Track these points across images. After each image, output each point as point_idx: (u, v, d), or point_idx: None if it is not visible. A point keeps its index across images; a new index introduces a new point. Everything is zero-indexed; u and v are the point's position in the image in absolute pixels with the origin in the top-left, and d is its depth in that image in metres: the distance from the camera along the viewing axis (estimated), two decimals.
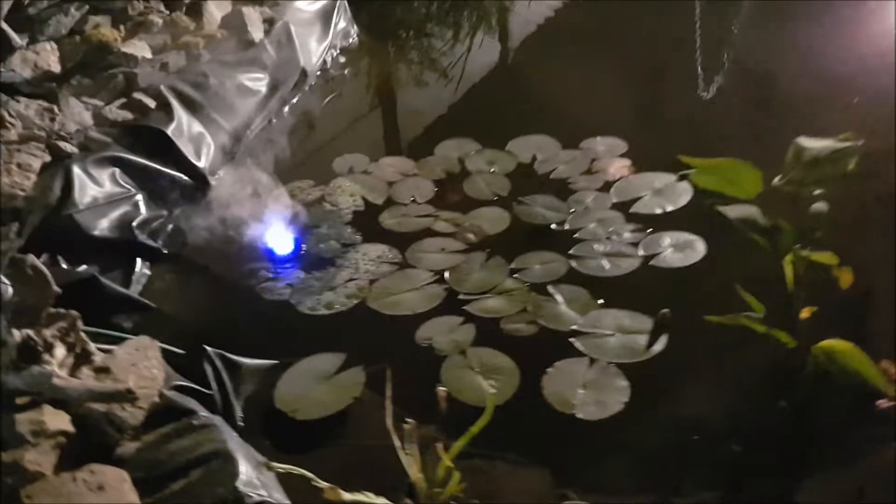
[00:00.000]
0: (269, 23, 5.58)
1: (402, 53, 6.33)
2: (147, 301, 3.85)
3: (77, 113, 4.25)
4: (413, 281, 3.96)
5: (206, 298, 4.02)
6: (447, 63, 6.02)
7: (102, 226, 3.98)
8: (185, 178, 4.51)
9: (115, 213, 4.08)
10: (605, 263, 3.93)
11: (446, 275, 3.97)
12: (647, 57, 5.65)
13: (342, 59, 6.04)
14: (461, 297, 3.83)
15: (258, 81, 5.25)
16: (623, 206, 4.31)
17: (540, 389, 3.31)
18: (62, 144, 4.00)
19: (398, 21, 6.67)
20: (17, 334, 2.64)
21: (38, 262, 2.91)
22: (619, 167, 4.61)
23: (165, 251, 4.24)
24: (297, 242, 4.32)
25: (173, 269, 4.20)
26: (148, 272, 4.11)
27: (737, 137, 4.62)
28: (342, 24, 6.24)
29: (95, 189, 4.01)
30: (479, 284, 3.88)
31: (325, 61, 5.90)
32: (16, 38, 4.11)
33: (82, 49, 4.42)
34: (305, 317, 3.82)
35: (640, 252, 3.97)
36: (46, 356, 2.65)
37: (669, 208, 4.25)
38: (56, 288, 2.91)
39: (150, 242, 4.18)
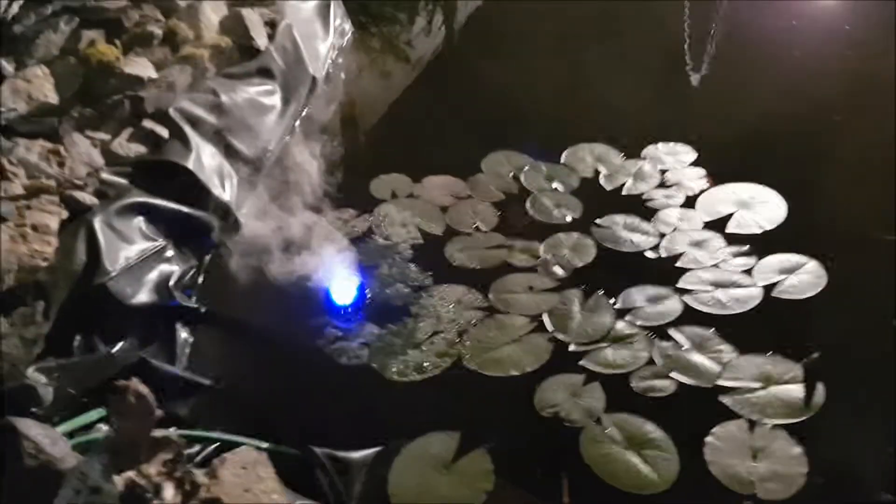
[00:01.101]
0: (271, 25, 4.79)
1: (409, 51, 5.63)
2: (200, 378, 3.13)
3: (85, 152, 3.44)
4: (509, 330, 3.36)
5: (268, 368, 3.29)
6: (464, 62, 5.36)
7: (139, 292, 3.20)
8: (214, 218, 3.76)
9: (150, 274, 3.31)
10: (722, 296, 3.40)
11: (545, 319, 3.39)
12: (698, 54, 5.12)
13: (343, 60, 5.31)
14: (572, 348, 3.26)
15: (271, 95, 4.48)
16: (716, 226, 3.79)
17: (705, 465, 2.79)
18: (78, 195, 3.20)
19: (390, 15, 5.96)
20: (120, 480, 1.95)
21: (142, 388, 2.20)
22: (696, 179, 4.10)
23: (203, 310, 3.51)
24: (359, 288, 3.65)
25: (218, 333, 3.45)
26: (189, 338, 3.39)
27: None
28: (339, 21, 5.50)
29: (124, 247, 3.22)
30: (587, 331, 3.30)
31: (329, 64, 5.17)
32: (6, 66, 3.24)
33: (80, 72, 3.58)
34: (395, 385, 3.17)
35: (757, 281, 3.47)
36: (156, 502, 1.98)
37: (767, 226, 3.77)
38: (158, 412, 2.21)
39: (189, 303, 3.45)
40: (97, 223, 3.18)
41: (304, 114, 4.71)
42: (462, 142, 4.53)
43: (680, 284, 3.48)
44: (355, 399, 3.15)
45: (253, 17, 4.66)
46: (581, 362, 3.18)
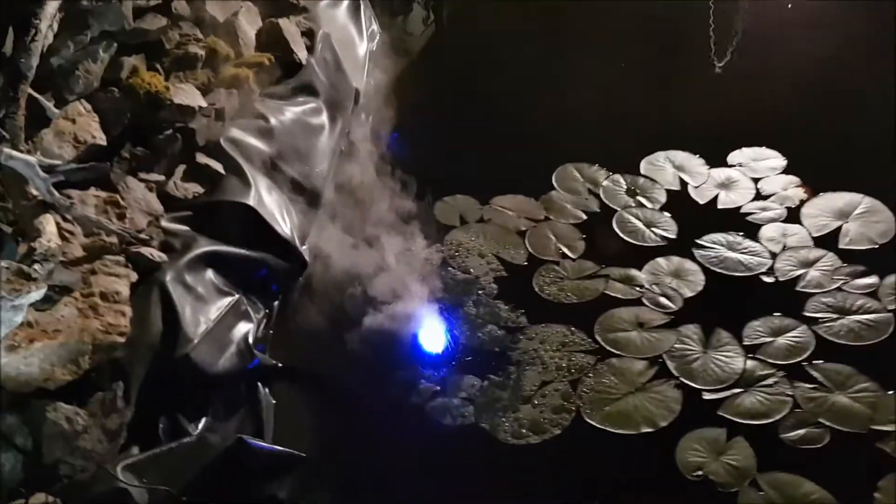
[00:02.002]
0: (308, 35, 4.36)
1: (443, 54, 5.19)
2: (294, 451, 2.74)
3: (142, 198, 3.00)
4: (628, 377, 3.00)
5: (364, 432, 2.92)
6: (509, 63, 4.91)
7: (220, 358, 2.81)
8: (281, 260, 3.36)
9: (229, 334, 2.90)
10: (854, 325, 3.09)
11: (666, 362, 3.04)
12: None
13: (380, 67, 4.86)
14: (706, 396, 2.92)
15: (318, 115, 4.04)
16: (826, 242, 3.46)
17: None
18: (145, 251, 2.77)
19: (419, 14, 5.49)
20: None
21: None
22: (792, 188, 3.75)
23: (281, 366, 3.12)
24: (448, 332, 3.27)
25: (302, 392, 3.08)
26: (272, 400, 3.00)
27: None
28: (370, 24, 5.05)
29: (201, 307, 2.80)
30: (716, 374, 2.96)
31: (367, 71, 4.73)
32: (51, 108, 2.78)
33: (127, 106, 3.13)
34: (512, 449, 2.80)
35: (887, 305, 3.14)
36: None
37: (880, 241, 3.44)
38: None
39: (269, 361, 3.05)
40: (170, 283, 2.76)
41: (350, 131, 4.28)
42: (525, 155, 4.12)
43: (806, 312, 3.14)
44: (467, 468, 2.78)
45: (291, 29, 4.21)
46: (719, 412, 2.84)
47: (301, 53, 4.17)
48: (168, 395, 2.61)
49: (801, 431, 2.72)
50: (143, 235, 2.82)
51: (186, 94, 3.39)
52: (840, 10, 4.78)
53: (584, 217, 3.71)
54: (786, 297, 3.20)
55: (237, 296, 3.05)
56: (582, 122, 4.28)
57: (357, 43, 4.77)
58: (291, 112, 3.89)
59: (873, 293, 3.17)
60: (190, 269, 2.89)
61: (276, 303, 3.33)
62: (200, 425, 2.66)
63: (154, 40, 3.45)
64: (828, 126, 4.02)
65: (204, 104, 3.45)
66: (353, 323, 3.27)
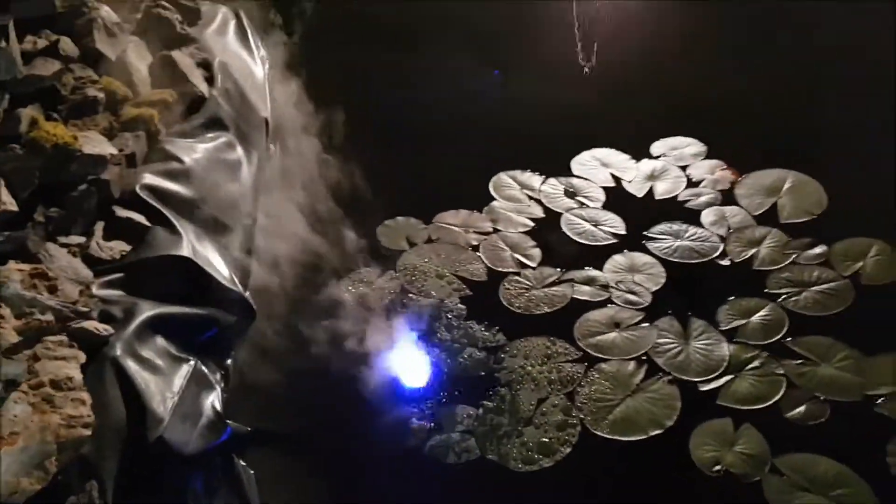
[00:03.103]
0: (204, 67, 3.97)
1: (336, 69, 4.91)
2: None
3: (68, 266, 2.55)
4: (622, 380, 2.87)
5: (363, 490, 2.61)
6: (399, 74, 4.68)
7: (196, 434, 2.42)
8: (229, 313, 2.99)
9: (199, 405, 2.52)
10: (818, 295, 3.11)
11: (655, 360, 2.95)
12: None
13: (280, 94, 4.52)
14: (702, 388, 2.84)
15: (232, 150, 3.64)
16: (767, 219, 3.50)
17: None
18: (90, 326, 2.35)
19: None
20: None
21: None
22: (721, 173, 3.79)
23: (250, 428, 2.76)
24: (427, 363, 3.02)
25: (281, 457, 2.73)
26: (251, 470, 2.64)
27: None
28: (259, 49, 4.70)
29: (161, 380, 2.41)
30: (704, 363, 2.90)
31: (269, 98, 4.38)
32: None
33: (34, 164, 2.66)
34: (527, 477, 2.60)
35: (842, 272, 3.21)
36: None
37: (817, 211, 3.52)
38: None
39: (241, 428, 2.69)
40: (122, 358, 2.35)
41: (267, 162, 3.93)
42: (455, 168, 3.93)
43: (769, 289, 3.15)
44: None
45: (185, 61, 3.82)
46: (719, 402, 2.77)
47: (201, 86, 3.79)
48: (145, 485, 2.21)
49: (802, 408, 2.70)
50: (81, 308, 2.39)
51: (95, 143, 2.96)
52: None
53: (532, 224, 3.57)
54: (745, 278, 3.20)
55: (193, 360, 2.67)
56: (498, 129, 4.16)
57: (253, 70, 4.41)
58: (204, 150, 3.51)
59: (826, 262, 3.22)
60: (138, 338, 2.48)
61: (229, 361, 2.95)
62: None
63: (48, 87, 2.99)
64: (732, 109, 4.09)
65: (114, 151, 3.03)
66: (318, 372, 2.96)
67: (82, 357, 2.27)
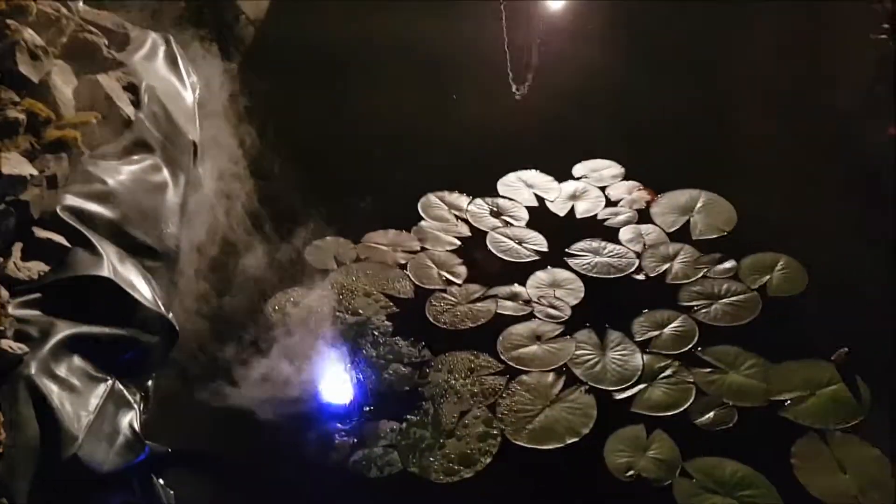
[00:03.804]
0: (131, 90, 3.95)
1: (269, 95, 4.92)
2: None
3: None
4: (541, 392, 2.93)
5: None
6: (333, 99, 4.72)
7: (112, 453, 2.39)
8: (149, 334, 2.96)
9: (116, 424, 2.49)
10: (727, 307, 3.23)
11: (573, 370, 3.02)
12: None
13: (210, 118, 4.51)
14: (617, 397, 2.92)
15: (157, 172, 3.62)
16: (680, 236, 3.64)
17: (804, 490, 2.57)
18: (3, 345, 2.30)
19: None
20: None
21: None
22: (638, 193, 3.92)
23: (169, 449, 2.72)
24: (351, 379, 3.03)
25: (201, 478, 2.70)
26: (170, 490, 2.60)
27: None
28: (190, 76, 4.69)
29: (77, 399, 2.38)
30: (618, 375, 2.98)
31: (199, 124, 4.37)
32: None
33: None
34: (448, 488, 2.63)
35: (750, 285, 3.34)
36: None
37: (727, 228, 3.66)
38: None
39: (159, 448, 2.65)
40: (36, 377, 2.31)
41: (194, 186, 3.91)
42: (384, 190, 3.99)
43: (682, 302, 3.27)
44: None
45: (112, 84, 3.79)
46: (633, 409, 2.85)
47: (127, 109, 3.77)
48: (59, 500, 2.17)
49: (711, 414, 2.80)
50: None
51: (14, 163, 2.92)
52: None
53: (458, 243, 3.63)
54: (659, 292, 3.31)
55: (111, 380, 2.64)
56: (426, 151, 4.23)
57: (182, 94, 4.40)
58: (128, 171, 3.49)
59: (735, 276, 3.35)
60: (55, 357, 2.45)
61: (150, 382, 2.92)
62: None
63: None
64: (650, 132, 4.24)
65: (35, 172, 2.99)
66: (241, 391, 2.95)
67: None
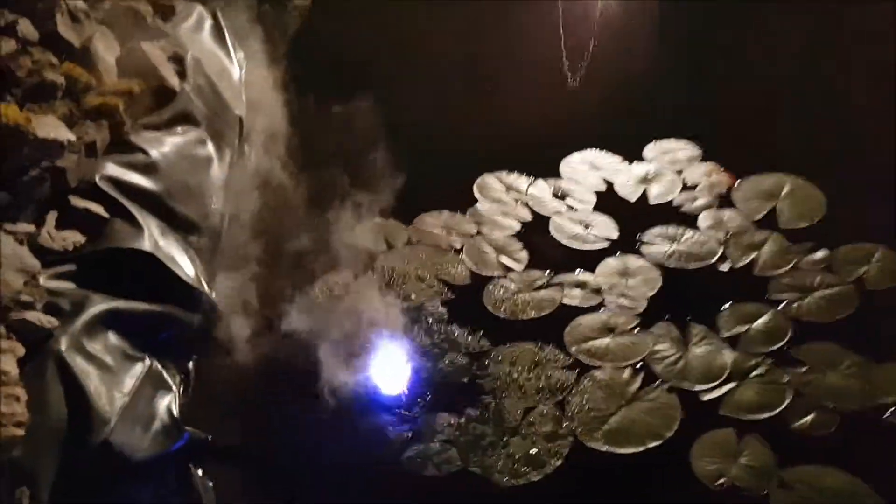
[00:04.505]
0: (176, 61, 3.79)
1: (319, 77, 4.73)
2: None
3: (13, 254, 2.35)
4: (615, 390, 2.68)
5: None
6: (385, 82, 4.50)
7: (148, 439, 2.20)
8: (191, 312, 2.77)
9: (153, 408, 2.30)
10: (821, 301, 2.94)
11: (652, 367, 2.75)
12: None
13: (257, 96, 4.32)
14: (703, 397, 2.65)
15: (202, 146, 3.45)
16: (766, 223, 3.35)
17: None
18: (31, 317, 2.13)
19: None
20: None
21: None
22: (717, 177, 3.63)
23: (210, 437, 2.52)
24: (406, 369, 2.81)
25: (244, 469, 2.51)
26: (209, 481, 2.40)
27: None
28: (239, 52, 4.51)
29: (111, 379, 2.19)
30: (705, 372, 2.71)
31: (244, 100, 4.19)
32: None
33: None
34: (514, 492, 2.38)
35: (844, 278, 3.04)
36: None
37: (817, 217, 3.36)
38: None
39: (200, 434, 2.45)
40: (67, 353, 2.13)
41: (240, 162, 3.72)
42: (437, 171, 3.77)
43: (771, 295, 2.98)
44: None
45: (156, 53, 3.63)
46: (721, 411, 2.58)
47: (172, 80, 3.59)
48: (87, 493, 1.98)
49: (809, 418, 2.51)
50: (24, 297, 2.17)
51: (50, 127, 2.75)
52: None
53: (518, 227, 3.39)
54: (746, 283, 3.03)
55: (149, 360, 2.45)
56: (482, 132, 3.99)
57: (229, 69, 4.22)
58: (172, 144, 3.30)
59: (828, 267, 3.05)
60: (87, 333, 2.26)
61: (190, 364, 2.73)
62: None
63: (1, 67, 2.79)
64: (726, 113, 3.95)
65: (72, 137, 2.82)
66: (286, 378, 2.74)
67: (21, 350, 2.04)
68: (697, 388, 2.63)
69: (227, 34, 4.36)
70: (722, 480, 2.35)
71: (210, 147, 3.52)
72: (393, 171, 3.73)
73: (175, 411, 2.38)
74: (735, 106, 3.99)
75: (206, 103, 3.68)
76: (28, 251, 2.43)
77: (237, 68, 4.28)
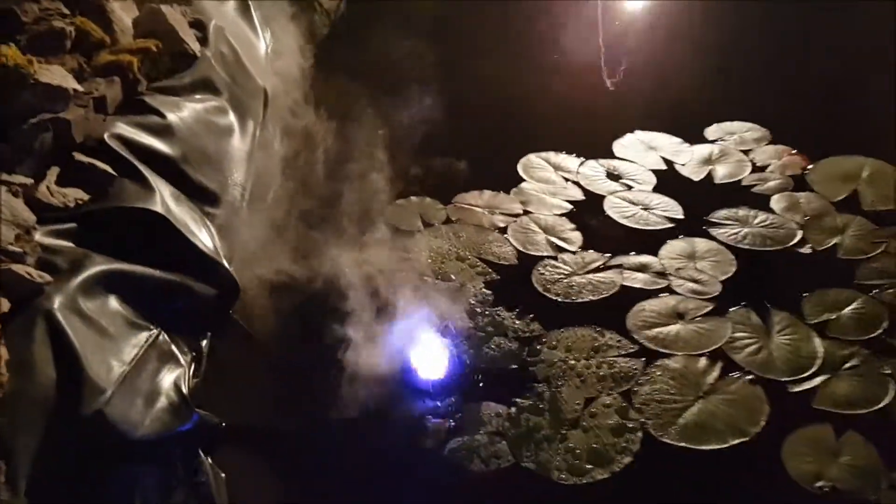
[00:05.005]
0: (198, 28, 3.54)
1: (352, 54, 4.48)
2: None
3: (6, 204, 2.08)
4: (690, 380, 2.34)
5: (367, 501, 2.07)
6: (425, 64, 4.26)
7: (150, 417, 1.90)
8: (206, 284, 2.48)
9: (157, 383, 2.00)
10: None
11: (731, 356, 2.42)
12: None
13: (284, 70, 4.06)
14: (792, 389, 2.31)
15: (223, 115, 3.21)
16: (847, 206, 3.02)
17: None
18: (18, 270, 1.85)
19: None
20: None
21: None
22: (789, 158, 3.31)
23: (224, 423, 2.21)
24: (448, 353, 2.49)
25: (262, 459, 2.19)
26: (221, 472, 2.09)
27: None
28: (265, 29, 4.26)
29: (109, 345, 1.90)
30: (791, 363, 2.38)
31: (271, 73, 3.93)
32: None
33: None
34: (575, 491, 2.05)
35: None
36: None
37: None
38: None
39: (212, 417, 2.15)
40: (59, 312, 1.84)
41: (264, 136, 3.45)
42: (476, 149, 3.49)
43: (861, 280, 2.65)
44: None
45: (176, 17, 3.38)
46: (815, 405, 2.24)
47: (193, 45, 3.34)
48: (76, 473, 1.67)
49: None
50: (13, 248, 1.89)
51: (55, 75, 2.49)
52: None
53: (569, 206, 3.08)
54: (830, 268, 2.71)
55: (155, 331, 2.15)
56: (526, 113, 3.72)
57: (254, 42, 3.98)
58: (191, 109, 3.04)
59: None
60: (85, 293, 1.97)
61: (204, 342, 2.43)
62: None
63: (5, 10, 2.54)
64: (793, 94, 3.67)
65: (79, 87, 2.55)
66: (312, 361, 2.43)
67: (5, 305, 1.76)
68: (785, 379, 2.28)
69: (253, 12, 4.13)
70: (822, 483, 2.00)
71: (232, 117, 3.27)
72: (430, 148, 3.46)
73: (184, 388, 2.07)
74: (800, 87, 3.70)
75: (228, 72, 3.42)
76: (23, 204, 2.15)
77: (263, 43, 4.04)
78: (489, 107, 3.81)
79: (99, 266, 2.10)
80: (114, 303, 2.08)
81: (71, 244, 2.16)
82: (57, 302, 1.87)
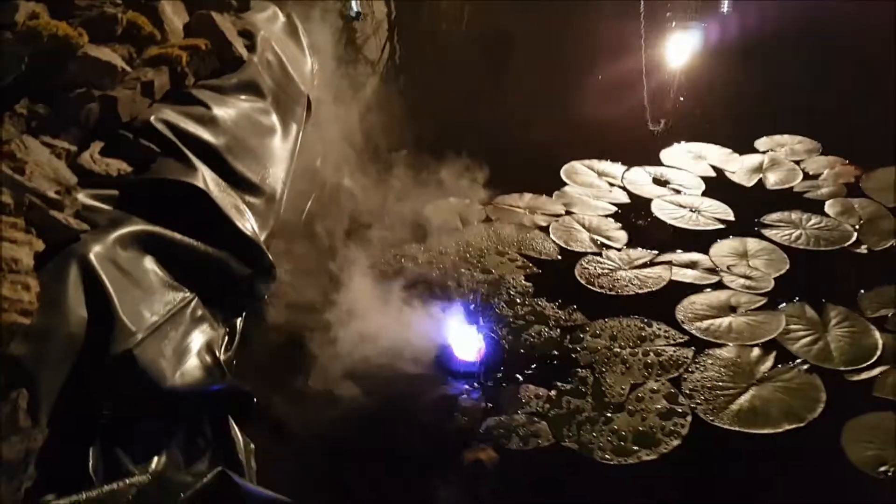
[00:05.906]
0: (246, 36, 3.64)
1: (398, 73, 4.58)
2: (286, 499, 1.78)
3: (46, 163, 2.11)
4: (743, 369, 2.25)
5: (403, 477, 1.99)
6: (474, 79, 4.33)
7: (181, 370, 1.87)
8: (243, 263, 2.48)
9: (189, 341, 1.98)
10: None
11: (786, 347, 2.32)
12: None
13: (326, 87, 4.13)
14: (851, 378, 2.20)
15: (267, 115, 3.28)
16: None
17: None
18: (56, 215, 1.87)
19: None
20: None
21: None
22: (842, 168, 3.25)
23: (255, 399, 2.17)
24: (485, 338, 2.43)
25: (294, 434, 2.14)
26: (251, 443, 2.04)
27: None
28: (310, 53, 4.36)
29: (142, 296, 1.89)
30: (849, 354, 2.27)
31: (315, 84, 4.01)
32: None
33: (24, 50, 2.27)
34: (620, 471, 1.96)
35: None
36: None
37: None
38: None
39: (242, 386, 2.11)
40: (95, 259, 1.84)
41: (306, 139, 3.49)
42: (517, 156, 3.50)
43: None
44: None
45: (225, 24, 3.48)
46: (875, 393, 2.12)
47: (241, 49, 3.43)
48: (102, 415, 1.64)
49: None
50: (52, 195, 1.91)
51: (103, 53, 2.56)
52: None
53: (614, 208, 3.04)
54: (887, 267, 2.60)
55: (190, 294, 2.14)
56: (570, 122, 3.75)
57: (300, 57, 4.07)
58: (236, 105, 3.11)
59: None
60: (123, 246, 1.98)
61: (238, 321, 2.41)
62: (153, 464, 1.68)
63: None
64: (842, 109, 3.64)
65: (126, 67, 2.62)
66: (347, 347, 2.39)
67: (39, 245, 1.77)
68: (843, 368, 2.17)
69: (300, 30, 4.24)
70: (885, 468, 1.88)
71: (274, 118, 3.33)
72: (470, 154, 3.46)
73: (217, 352, 2.04)
74: (851, 105, 3.68)
75: (273, 78, 3.51)
76: (65, 165, 2.19)
77: (308, 59, 4.13)
78: (533, 118, 3.82)
79: (138, 225, 2.11)
80: (150, 262, 2.08)
81: (110, 208, 2.18)
82: (93, 250, 1.87)
